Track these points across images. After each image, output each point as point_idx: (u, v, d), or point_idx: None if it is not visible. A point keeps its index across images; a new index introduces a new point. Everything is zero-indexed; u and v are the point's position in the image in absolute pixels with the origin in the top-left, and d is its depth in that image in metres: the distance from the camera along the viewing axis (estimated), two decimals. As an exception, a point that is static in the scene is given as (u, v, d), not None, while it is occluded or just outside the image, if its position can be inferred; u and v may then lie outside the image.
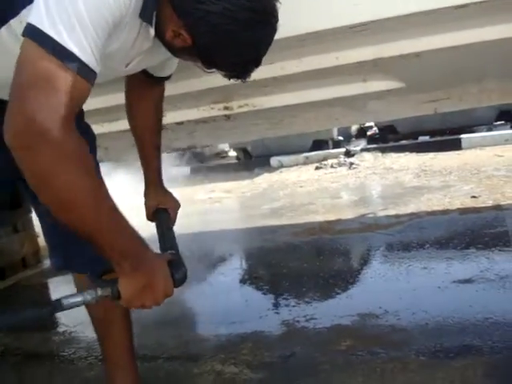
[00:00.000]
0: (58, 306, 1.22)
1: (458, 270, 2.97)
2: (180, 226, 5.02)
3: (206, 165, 10.45)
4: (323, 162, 8.19)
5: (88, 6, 1.06)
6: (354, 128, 10.73)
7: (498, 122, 8.50)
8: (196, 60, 1.29)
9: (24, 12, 1.21)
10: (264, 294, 3.11)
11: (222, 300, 3.12)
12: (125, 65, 1.39)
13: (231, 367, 2.25)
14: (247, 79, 1.34)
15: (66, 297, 1.23)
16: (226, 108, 2.68)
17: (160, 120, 1.84)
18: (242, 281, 3.45)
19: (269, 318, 2.71)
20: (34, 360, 2.69)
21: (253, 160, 9.70)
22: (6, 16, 1.26)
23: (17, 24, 1.24)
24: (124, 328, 1.85)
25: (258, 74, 2.21)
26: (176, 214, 1.83)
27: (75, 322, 3.11)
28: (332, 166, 7.89)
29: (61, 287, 3.85)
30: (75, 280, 1.82)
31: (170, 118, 2.75)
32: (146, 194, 1.84)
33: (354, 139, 10.38)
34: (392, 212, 4.58)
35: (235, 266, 3.94)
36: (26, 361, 2.69)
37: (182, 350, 2.49)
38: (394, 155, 7.94)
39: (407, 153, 7.91)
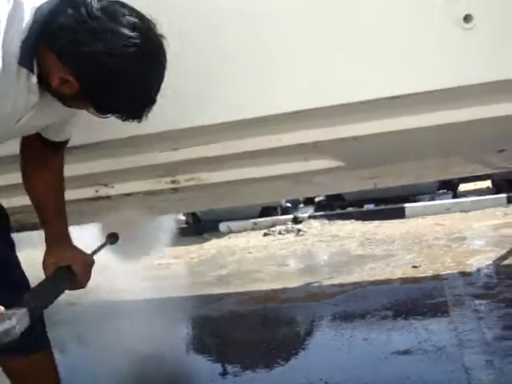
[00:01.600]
0: None
1: (398, 341, 3.06)
2: (128, 293, 4.98)
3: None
4: (271, 229, 8.27)
5: None
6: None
7: (441, 191, 8.78)
8: (88, 106, 1.29)
9: None
10: (210, 362, 3.13)
11: (167, 368, 3.10)
12: (15, 121, 1.33)
13: None
14: (143, 119, 1.32)
15: None
16: (173, 182, 2.75)
17: (62, 188, 1.71)
18: (188, 349, 3.45)
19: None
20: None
21: (202, 224, 9.72)
22: None
23: None
24: None
25: (202, 151, 2.34)
26: (84, 270, 1.61)
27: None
28: (280, 233, 7.98)
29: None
30: None
31: (117, 189, 2.82)
32: (45, 254, 1.64)
33: (301, 206, 10.52)
34: (337, 281, 4.66)
35: (181, 335, 3.92)
36: None
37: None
38: (340, 222, 8.09)
39: (353, 220, 8.08)
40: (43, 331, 1.74)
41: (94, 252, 1.70)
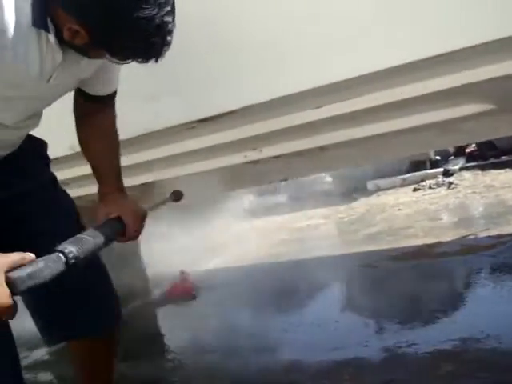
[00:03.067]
0: None
1: None
2: (280, 254, 5.15)
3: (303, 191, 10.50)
4: (421, 183, 8.07)
5: None
6: (452, 146, 10.48)
7: None
8: (102, 53, 1.30)
9: None
10: (365, 319, 3.12)
11: (322, 326, 3.16)
12: (45, 80, 1.36)
13: (334, 392, 2.31)
14: (161, 58, 1.32)
15: None
16: (318, 140, 2.76)
17: (116, 145, 1.72)
18: (342, 307, 3.49)
19: (370, 344, 2.73)
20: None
21: (350, 184, 9.67)
22: None
23: None
24: (107, 377, 1.83)
25: (347, 106, 2.32)
26: (135, 221, 1.59)
27: (181, 348, 3.27)
28: (430, 187, 7.76)
29: (168, 318, 4.04)
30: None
31: (265, 152, 2.88)
32: (97, 205, 1.65)
33: (452, 158, 10.12)
34: (494, 232, 4.46)
35: (335, 293, 3.97)
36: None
37: (283, 376, 2.56)
38: (493, 172, 7.71)
39: (508, 169, 7.67)
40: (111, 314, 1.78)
41: (153, 207, 1.70)
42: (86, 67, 1.44)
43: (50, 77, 1.35)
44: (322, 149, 2.89)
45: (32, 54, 1.26)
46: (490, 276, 3.50)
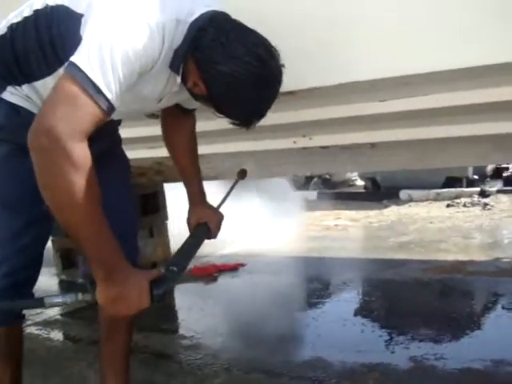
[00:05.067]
0: (41, 303, 1.39)
1: None
2: (308, 250, 5.11)
3: (333, 191, 10.40)
4: (455, 200, 7.92)
5: (123, 56, 1.31)
6: (490, 168, 10.29)
7: None
8: (210, 106, 1.54)
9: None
10: (393, 326, 3.03)
11: (348, 327, 3.09)
12: (157, 101, 1.66)
13: (357, 395, 2.23)
14: (251, 128, 1.57)
15: (49, 296, 1.38)
16: (371, 135, 2.68)
17: (194, 146, 2.04)
18: (370, 311, 3.40)
19: (396, 351, 2.66)
20: (161, 360, 2.80)
21: (381, 191, 9.56)
22: (62, 59, 1.49)
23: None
24: (126, 336, 2.04)
25: (411, 103, 2.23)
26: (217, 227, 1.97)
27: (202, 328, 3.22)
28: (465, 205, 7.61)
29: (189, 292, 4.01)
30: None
31: (315, 141, 2.81)
32: (188, 212, 2.01)
33: (488, 179, 9.95)
34: (530, 259, 4.35)
35: (364, 295, 3.88)
36: (154, 359, 2.81)
37: (307, 371, 2.49)
38: (532, 200, 7.55)
39: (549, 198, 7.50)
40: None
41: (230, 190, 2.08)
42: (187, 95, 1.65)
43: (161, 99, 1.66)
44: (372, 146, 2.81)
45: (159, 83, 1.55)
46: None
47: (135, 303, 1.37)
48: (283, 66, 1.51)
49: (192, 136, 2.03)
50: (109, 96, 1.31)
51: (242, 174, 2.17)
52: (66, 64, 1.32)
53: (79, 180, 1.25)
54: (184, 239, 1.79)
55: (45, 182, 1.27)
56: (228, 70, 1.42)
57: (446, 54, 1.82)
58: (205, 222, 1.94)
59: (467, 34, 1.79)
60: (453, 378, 2.34)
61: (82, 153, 1.27)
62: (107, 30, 1.33)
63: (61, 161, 1.23)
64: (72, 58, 1.31)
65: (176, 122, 1.97)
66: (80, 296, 1.39)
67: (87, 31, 1.37)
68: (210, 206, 2.02)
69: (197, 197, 2.03)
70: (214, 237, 1.97)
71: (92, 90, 1.28)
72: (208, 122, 2.27)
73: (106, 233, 1.34)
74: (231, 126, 1.57)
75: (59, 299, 1.38)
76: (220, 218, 2.00)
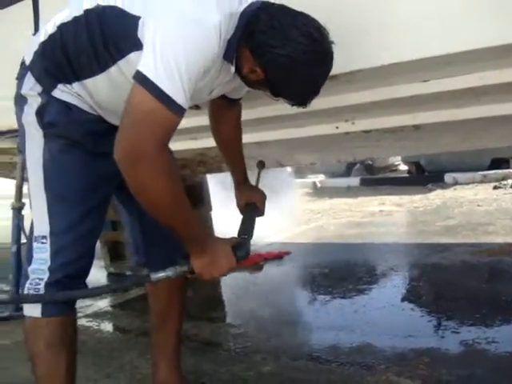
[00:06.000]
0: (148, 278, 1.65)
1: None
2: (354, 236, 5.08)
3: (375, 177, 10.32)
4: (502, 182, 7.77)
5: (187, 60, 1.39)
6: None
7: None
8: (266, 90, 1.62)
9: (132, 55, 1.55)
10: (442, 311, 2.98)
11: (396, 313, 3.06)
12: (209, 92, 1.74)
13: (407, 380, 2.20)
14: (307, 106, 1.64)
15: (154, 272, 1.63)
16: (414, 118, 2.63)
17: (240, 134, 2.13)
18: (419, 296, 3.36)
19: (446, 335, 2.62)
20: (210, 348, 2.81)
21: (425, 175, 9.44)
22: (115, 58, 1.60)
23: (124, 64, 1.59)
24: (177, 325, 2.15)
25: (455, 82, 2.18)
26: (263, 205, 2.11)
27: (250, 316, 3.23)
28: (512, 187, 7.48)
29: (235, 282, 4.02)
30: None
31: (358, 125, 2.78)
32: (236, 194, 2.14)
33: (537, 160, 9.73)
34: None
35: (411, 281, 3.84)
36: (203, 347, 2.82)
37: (356, 357, 2.48)
38: None
39: None
40: None
41: (257, 182, 2.19)
42: (236, 84, 1.77)
43: (213, 90, 1.74)
44: (416, 128, 2.76)
45: (214, 75, 1.60)
46: None
47: (225, 265, 1.62)
48: (333, 42, 1.57)
49: (238, 124, 2.11)
50: (181, 102, 1.40)
51: (262, 165, 2.30)
52: (134, 74, 1.42)
53: (168, 183, 1.43)
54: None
55: (138, 189, 1.43)
56: (285, 53, 1.48)
57: (487, 30, 1.78)
58: (253, 202, 2.08)
59: (509, 9, 1.75)
60: (505, 361, 2.29)
61: (166, 160, 1.42)
62: (170, 37, 1.40)
63: (150, 173, 1.39)
64: (140, 68, 1.41)
65: (223, 112, 2.04)
66: (178, 268, 1.63)
67: (149, 38, 1.44)
68: (255, 188, 2.16)
69: (242, 180, 2.15)
70: (263, 214, 2.10)
71: (165, 99, 1.38)
72: (256, 110, 2.31)
73: (194, 216, 1.56)
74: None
75: (163, 273, 1.62)
76: (265, 197, 2.13)
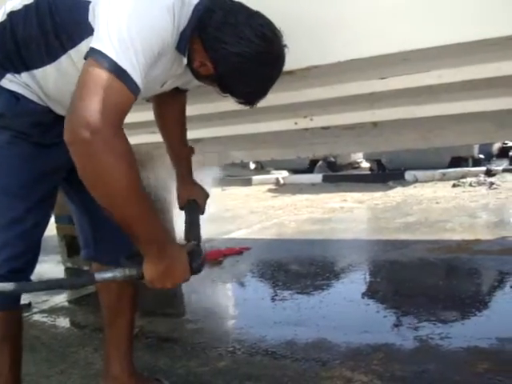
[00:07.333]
0: (92, 278, 1.51)
1: None
2: (314, 233, 5.09)
3: (338, 174, 10.38)
4: (461, 180, 7.89)
5: (141, 36, 1.33)
6: (496, 147, 10.24)
7: None
8: (214, 85, 1.60)
9: (83, 44, 1.49)
10: (398, 307, 3.02)
11: (352, 308, 3.09)
12: (161, 85, 1.70)
13: (361, 376, 2.21)
14: (254, 106, 1.63)
15: (99, 272, 1.50)
16: (372, 115, 2.64)
17: (184, 124, 2.10)
18: (376, 292, 3.38)
19: (401, 331, 2.64)
20: (166, 344, 2.79)
21: (386, 172, 9.53)
22: (65, 47, 1.55)
23: (75, 53, 1.54)
24: (129, 319, 2.09)
25: (412, 80, 2.20)
26: (204, 203, 2.06)
27: (207, 312, 3.22)
28: (471, 185, 7.58)
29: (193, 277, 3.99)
30: (93, 269, 2.09)
31: (316, 122, 2.78)
32: (177, 188, 2.09)
33: (494, 159, 9.90)
34: (536, 236, 4.33)
35: (369, 277, 3.87)
36: (159, 343, 2.80)
37: (311, 353, 2.48)
38: (538, 177, 7.50)
39: (555, 176, 7.45)
40: None
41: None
42: (190, 79, 1.72)
43: (164, 83, 1.70)
44: (375, 124, 2.78)
45: (166, 66, 1.57)
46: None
47: (179, 276, 1.49)
48: (286, 46, 1.57)
49: (182, 112, 2.07)
50: (136, 79, 1.32)
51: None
52: (88, 51, 1.33)
53: (122, 167, 1.28)
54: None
55: (87, 175, 1.29)
56: (237, 50, 1.47)
57: (444, 28, 1.80)
58: (193, 199, 2.03)
59: (466, 7, 1.76)
60: (458, 356, 2.32)
61: (121, 140, 1.30)
62: (123, 13, 1.34)
63: (102, 152, 1.25)
64: (93, 45, 1.32)
65: (168, 97, 1.98)
66: (127, 271, 1.47)
67: (101, 17, 1.37)
68: (198, 184, 2.12)
69: (186, 175, 2.10)
70: (203, 213, 2.03)
71: (121, 74, 1.29)
72: (216, 104, 2.28)
73: (153, 212, 1.40)
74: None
75: (109, 274, 1.47)
76: (207, 195, 2.10)
